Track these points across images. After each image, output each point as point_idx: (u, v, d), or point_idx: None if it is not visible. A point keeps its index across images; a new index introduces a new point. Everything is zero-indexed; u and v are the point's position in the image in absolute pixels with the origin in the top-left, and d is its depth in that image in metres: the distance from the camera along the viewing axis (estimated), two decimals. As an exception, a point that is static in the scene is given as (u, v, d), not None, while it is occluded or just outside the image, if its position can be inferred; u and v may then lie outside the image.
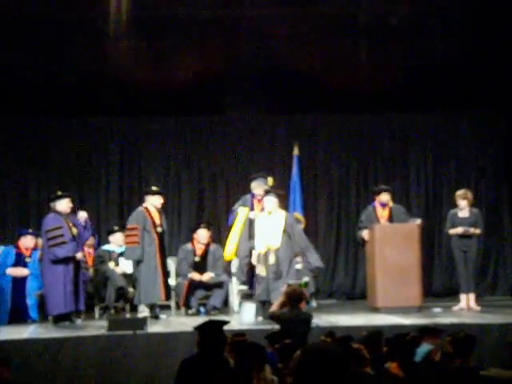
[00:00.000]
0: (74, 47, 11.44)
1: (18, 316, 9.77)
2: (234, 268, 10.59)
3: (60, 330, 9.07)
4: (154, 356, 8.27)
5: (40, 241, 10.09)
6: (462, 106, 12.44)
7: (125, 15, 10.79)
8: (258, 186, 10.56)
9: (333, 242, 12.65)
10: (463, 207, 10.37)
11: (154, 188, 10.51)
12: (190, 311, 10.35)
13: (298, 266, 10.45)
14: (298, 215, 11.75)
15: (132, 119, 12.54)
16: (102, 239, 11.46)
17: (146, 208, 10.15)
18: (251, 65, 11.98)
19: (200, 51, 11.81)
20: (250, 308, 9.58)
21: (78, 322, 9.67)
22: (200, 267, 10.57)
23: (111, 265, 10.65)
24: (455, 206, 10.51)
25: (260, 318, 9.39)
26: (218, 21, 11.56)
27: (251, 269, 9.93)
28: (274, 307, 7.50)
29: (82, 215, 9.93)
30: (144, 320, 8.81)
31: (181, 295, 10.38)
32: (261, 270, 9.56)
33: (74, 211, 10.02)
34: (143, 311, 9.92)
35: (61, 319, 9.48)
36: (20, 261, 10.09)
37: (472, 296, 10.25)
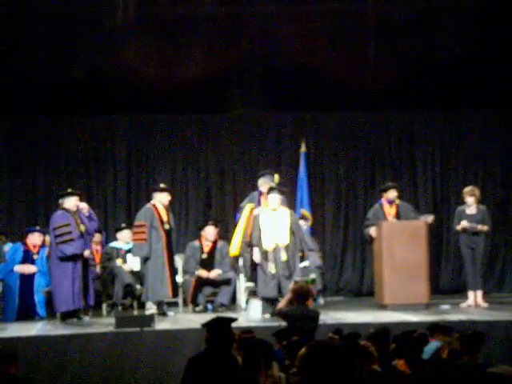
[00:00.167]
0: (83, 45, 11.48)
1: (26, 313, 9.80)
2: (241, 262, 10.57)
3: (67, 327, 9.08)
4: (161, 353, 8.28)
5: (48, 238, 10.08)
6: (470, 105, 12.40)
7: (132, 14, 10.81)
8: (264, 183, 10.52)
9: (340, 239, 12.63)
10: (470, 204, 10.35)
11: (161, 185, 10.49)
12: (197, 308, 10.34)
13: (305, 263, 10.46)
14: (306, 212, 11.75)
15: (140, 117, 12.54)
16: (109, 236, 11.50)
17: (154, 205, 10.15)
18: (258, 63, 11.99)
19: (208, 49, 11.83)
20: (258, 305, 9.58)
21: (86, 318, 9.69)
22: (207, 264, 10.56)
23: (119, 262, 10.66)
24: (463, 203, 10.49)
25: (267, 315, 9.38)
26: (226, 19, 11.58)
27: (253, 265, 9.91)
28: (282, 304, 7.50)
29: (84, 206, 9.86)
30: (151, 317, 8.81)
31: (188, 292, 10.37)
32: (271, 268, 9.54)
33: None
34: (150, 308, 9.93)
35: (68, 316, 9.51)
36: (28, 258, 10.10)
37: (479, 293, 10.24)
